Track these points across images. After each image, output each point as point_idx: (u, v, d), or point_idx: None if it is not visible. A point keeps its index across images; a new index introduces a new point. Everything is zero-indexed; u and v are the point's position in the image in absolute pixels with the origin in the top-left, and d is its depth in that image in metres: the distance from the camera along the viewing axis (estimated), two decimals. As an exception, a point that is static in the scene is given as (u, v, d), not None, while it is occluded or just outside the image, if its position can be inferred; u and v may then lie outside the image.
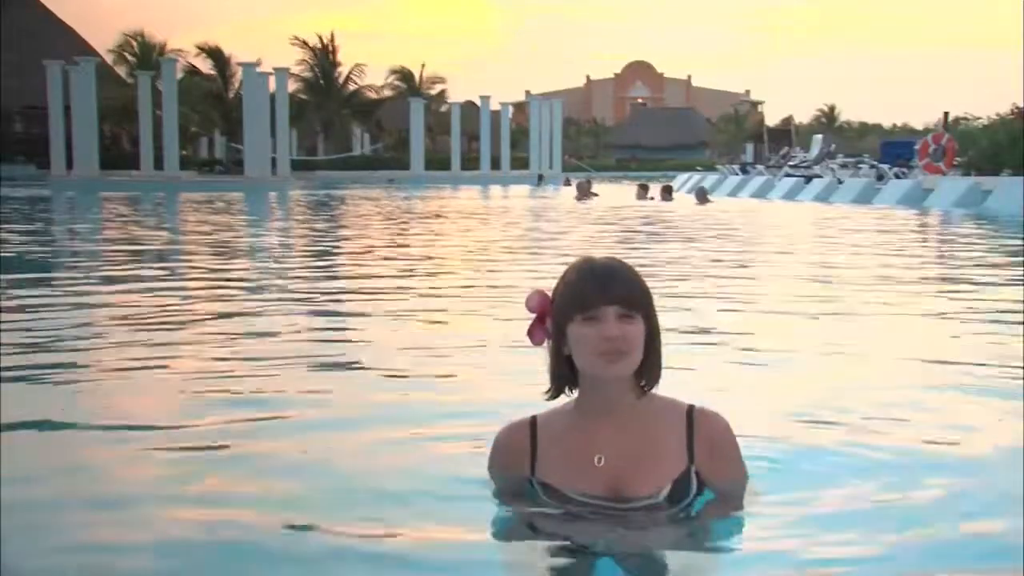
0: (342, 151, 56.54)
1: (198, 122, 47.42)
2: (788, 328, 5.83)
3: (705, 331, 5.57)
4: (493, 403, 3.66)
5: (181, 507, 2.77)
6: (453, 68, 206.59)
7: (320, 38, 58.87)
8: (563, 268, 2.51)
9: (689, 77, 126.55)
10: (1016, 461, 3.08)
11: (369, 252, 11.85)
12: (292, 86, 47.39)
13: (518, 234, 14.94)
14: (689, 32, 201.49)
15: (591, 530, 2.37)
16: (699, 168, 46.19)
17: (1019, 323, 5.87)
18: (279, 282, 8.57)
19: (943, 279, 8.97)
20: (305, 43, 58.34)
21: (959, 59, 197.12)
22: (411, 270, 9.55)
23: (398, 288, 7.95)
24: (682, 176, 41.08)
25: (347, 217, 20.05)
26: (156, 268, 9.81)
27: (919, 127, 74.45)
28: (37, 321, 6.00)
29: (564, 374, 2.50)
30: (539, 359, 2.55)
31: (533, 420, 2.56)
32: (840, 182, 27.72)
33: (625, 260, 2.51)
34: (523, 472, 2.53)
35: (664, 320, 2.52)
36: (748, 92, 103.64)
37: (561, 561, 2.31)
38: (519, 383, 3.61)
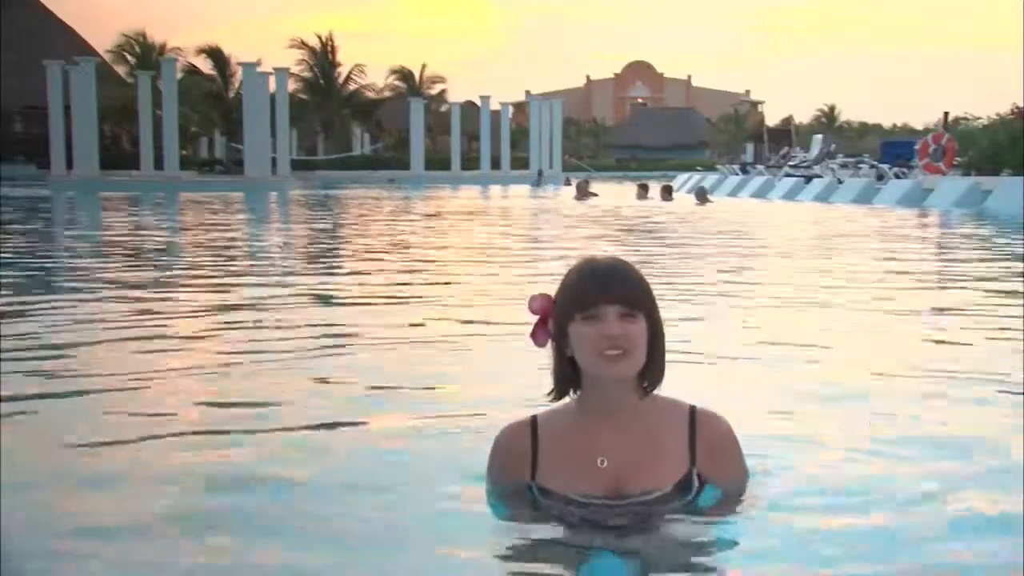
0: (342, 151, 56.55)
1: (198, 122, 47.44)
2: (787, 329, 5.83)
3: (705, 331, 5.57)
4: (493, 403, 3.66)
5: (181, 505, 2.78)
6: (453, 68, 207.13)
7: (319, 38, 58.96)
8: (562, 268, 2.51)
9: (689, 77, 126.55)
10: (1017, 462, 3.09)
11: (369, 252, 11.85)
12: (292, 86, 47.40)
13: (517, 234, 14.94)
14: (689, 32, 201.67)
15: (591, 529, 2.38)
16: (699, 168, 46.19)
17: (1019, 322, 5.88)
18: (279, 279, 8.58)
19: (940, 275, 8.98)
20: (304, 43, 58.40)
21: (959, 59, 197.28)
22: (411, 269, 9.55)
23: (397, 288, 7.96)
24: (682, 176, 41.09)
25: (347, 217, 20.05)
26: (156, 267, 9.82)
27: (919, 127, 74.46)
28: (37, 320, 6.01)
29: (567, 375, 2.50)
30: (541, 359, 2.56)
31: (534, 421, 2.56)
32: (840, 182, 27.73)
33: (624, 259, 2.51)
34: (523, 473, 2.52)
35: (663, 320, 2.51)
36: (748, 92, 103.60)
37: (561, 559, 2.32)
38: (519, 383, 3.62)
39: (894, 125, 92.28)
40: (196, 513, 2.72)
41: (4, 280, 8.31)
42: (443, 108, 60.47)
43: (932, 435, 3.43)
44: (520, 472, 2.53)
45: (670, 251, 11.67)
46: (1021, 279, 8.62)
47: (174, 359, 4.85)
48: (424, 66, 65.25)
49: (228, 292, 7.85)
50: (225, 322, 6.13)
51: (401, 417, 3.68)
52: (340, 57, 59.48)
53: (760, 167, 37.82)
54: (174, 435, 3.46)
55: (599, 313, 2.38)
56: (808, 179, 29.67)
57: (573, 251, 10.76)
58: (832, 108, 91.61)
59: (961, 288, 8.08)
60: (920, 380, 4.35)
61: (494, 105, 54.08)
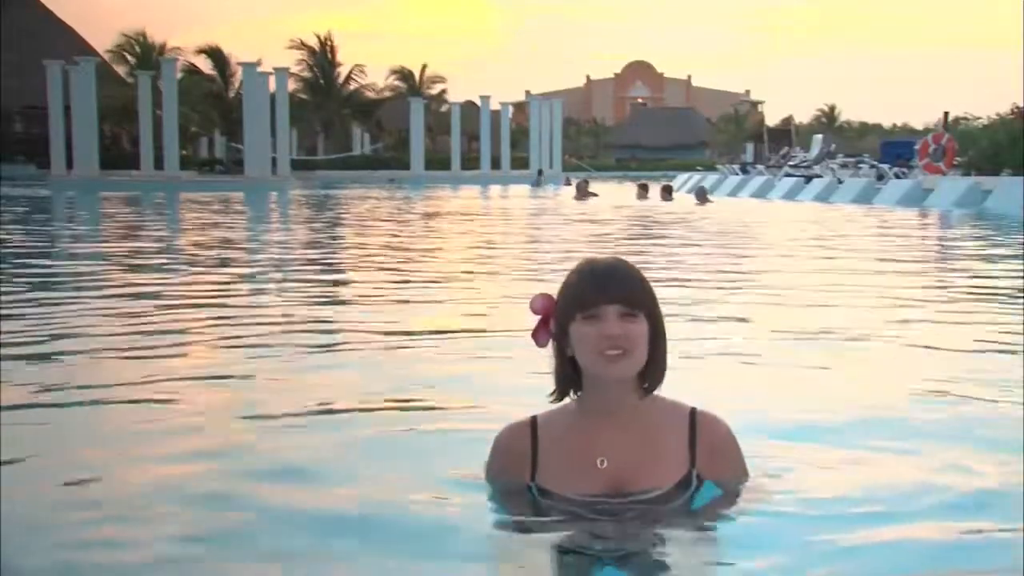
0: (342, 151, 56.57)
1: (198, 122, 47.45)
2: (788, 328, 5.83)
3: (704, 331, 5.57)
4: (493, 402, 3.66)
5: (181, 501, 2.78)
6: (453, 68, 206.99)
7: (319, 38, 58.97)
8: (562, 268, 2.51)
9: (689, 77, 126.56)
10: (1017, 460, 3.09)
11: (369, 251, 11.85)
12: (292, 86, 47.42)
13: (516, 235, 14.94)
14: (689, 32, 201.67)
15: (591, 531, 2.37)
16: (699, 168, 46.22)
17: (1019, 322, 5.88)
18: (279, 276, 8.58)
19: (940, 275, 8.98)
20: (303, 43, 58.43)
21: (959, 59, 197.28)
22: (411, 269, 9.55)
23: (398, 286, 7.95)
24: (682, 176, 41.11)
25: (348, 216, 20.05)
26: (156, 266, 9.82)
27: (919, 127, 74.45)
28: (37, 318, 6.01)
29: (568, 376, 2.50)
30: (542, 359, 2.56)
31: (533, 421, 2.56)
32: (840, 182, 27.74)
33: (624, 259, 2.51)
34: (523, 474, 2.52)
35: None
36: (748, 92, 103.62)
37: (561, 565, 2.31)
38: (519, 383, 3.61)
39: (894, 125, 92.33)
40: (192, 517, 2.72)
41: (4, 281, 8.31)
42: (443, 108, 60.51)
43: (932, 435, 3.43)
44: (520, 472, 2.53)
45: (670, 251, 11.67)
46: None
47: (169, 358, 4.85)
48: (424, 66, 65.36)
49: (228, 292, 7.85)
50: (223, 320, 6.12)
51: (401, 417, 3.68)
52: (340, 57, 59.62)
53: (760, 167, 37.83)
54: (173, 437, 3.46)
55: (599, 313, 2.38)
56: (808, 179, 29.68)
57: (573, 252, 10.77)
58: (832, 108, 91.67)
59: (961, 288, 8.07)
60: (921, 380, 4.35)
61: (494, 105, 54.11)
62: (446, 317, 6.35)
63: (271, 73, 39.12)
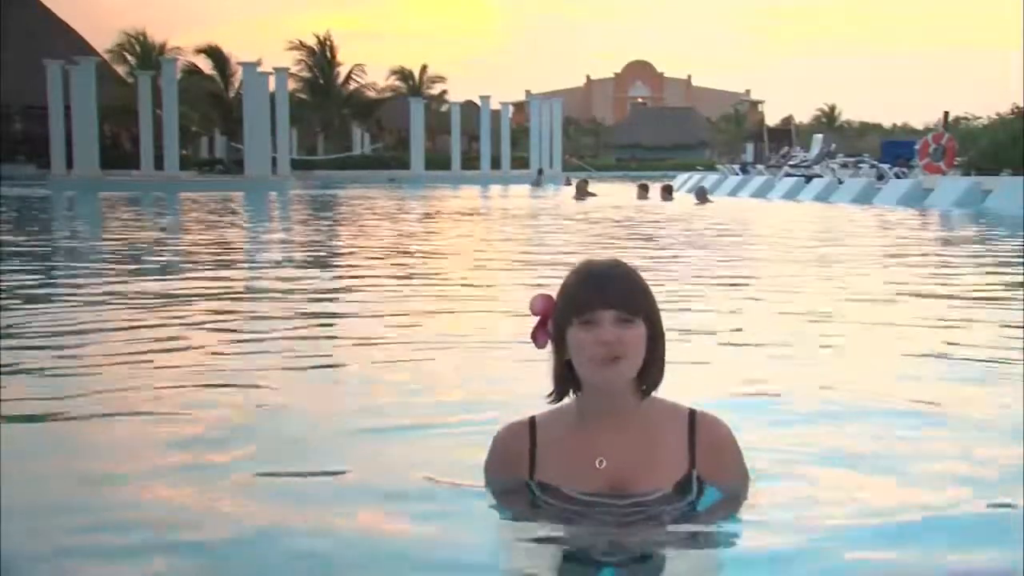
0: (342, 151, 56.58)
1: (198, 122, 47.45)
2: (787, 327, 5.83)
3: (703, 331, 5.57)
4: (493, 402, 3.66)
5: (181, 500, 2.78)
6: (453, 68, 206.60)
7: (318, 38, 58.97)
8: (562, 267, 2.51)
9: (689, 77, 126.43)
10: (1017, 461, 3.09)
11: (366, 251, 11.85)
12: (292, 86, 47.44)
13: (515, 235, 14.94)
14: (689, 32, 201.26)
15: (591, 532, 2.37)
16: (699, 168, 46.24)
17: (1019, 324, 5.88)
18: (278, 274, 8.58)
19: (942, 277, 8.97)
20: (303, 44, 58.44)
21: (959, 59, 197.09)
22: (411, 269, 9.55)
23: (398, 286, 7.95)
24: (682, 176, 41.13)
25: (348, 216, 20.05)
26: (157, 265, 9.82)
27: (919, 127, 74.43)
28: (37, 318, 6.01)
29: (566, 377, 2.49)
30: (542, 359, 2.56)
31: (532, 421, 2.55)
32: (840, 182, 27.77)
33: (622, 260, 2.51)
34: (521, 474, 2.52)
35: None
36: (748, 92, 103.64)
37: (562, 567, 2.31)
38: (519, 383, 3.61)
39: (894, 125, 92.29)
40: (192, 516, 2.72)
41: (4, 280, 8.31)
42: (443, 108, 60.54)
43: (932, 436, 3.43)
44: (518, 472, 2.52)
45: (669, 251, 11.67)
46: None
47: (170, 359, 4.85)
48: (424, 66, 65.40)
49: (227, 291, 7.85)
50: (223, 318, 6.13)
51: (401, 417, 3.68)
52: (340, 57, 59.63)
53: (760, 167, 37.86)
54: (173, 436, 3.46)
55: (595, 318, 2.36)
56: (808, 179, 29.71)
57: (573, 253, 10.78)
58: (832, 108, 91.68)
59: (961, 288, 8.07)
60: (920, 380, 4.35)
61: (494, 105, 54.12)
62: (445, 317, 6.36)
63: (271, 73, 39.12)
